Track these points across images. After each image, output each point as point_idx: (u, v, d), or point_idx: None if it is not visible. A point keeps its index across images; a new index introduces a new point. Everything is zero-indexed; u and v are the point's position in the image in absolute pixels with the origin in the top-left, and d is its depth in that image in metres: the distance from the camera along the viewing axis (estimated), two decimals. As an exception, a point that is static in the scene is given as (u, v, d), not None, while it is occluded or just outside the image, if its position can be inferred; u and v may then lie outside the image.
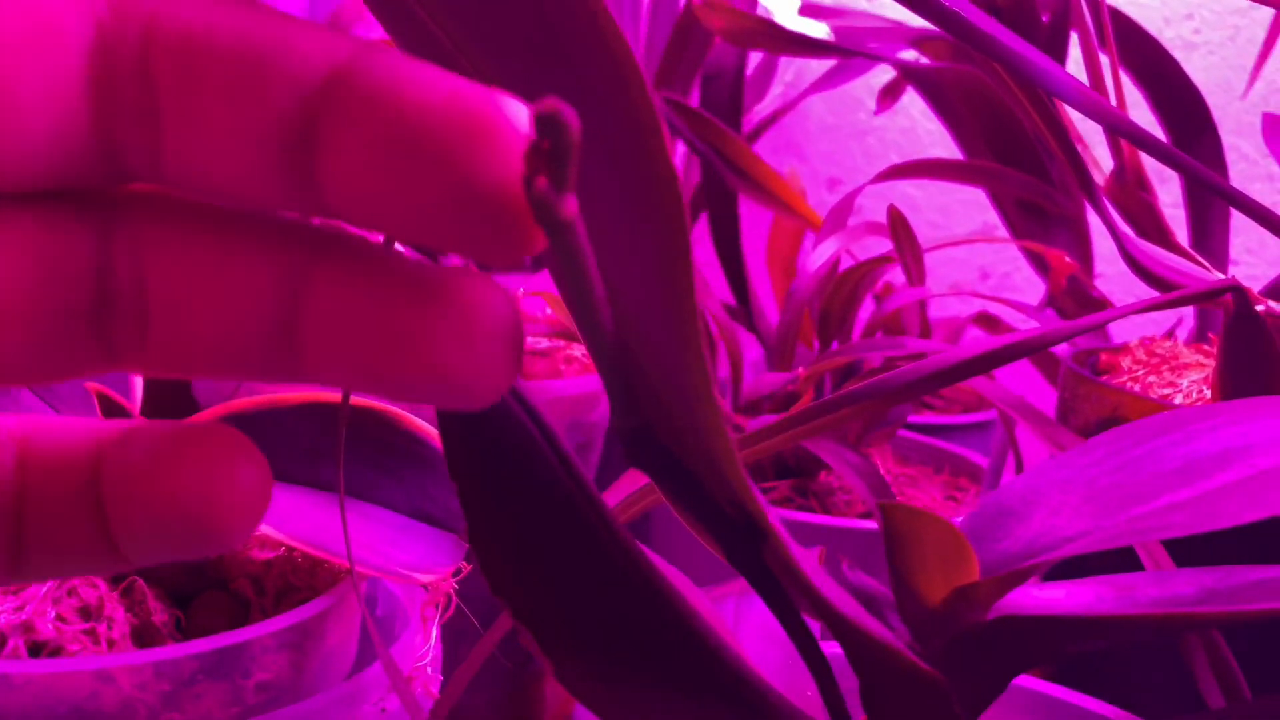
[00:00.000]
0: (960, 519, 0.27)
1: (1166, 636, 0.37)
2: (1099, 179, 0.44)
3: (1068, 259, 0.51)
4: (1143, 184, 0.44)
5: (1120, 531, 0.25)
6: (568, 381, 0.50)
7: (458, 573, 0.35)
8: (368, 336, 0.14)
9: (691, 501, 0.23)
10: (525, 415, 0.27)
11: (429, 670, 0.34)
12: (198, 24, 0.13)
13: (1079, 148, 0.43)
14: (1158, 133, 0.56)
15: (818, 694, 0.32)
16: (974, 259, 0.82)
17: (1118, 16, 0.56)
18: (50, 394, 0.36)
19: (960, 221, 0.82)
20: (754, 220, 0.65)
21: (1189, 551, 0.34)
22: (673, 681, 0.26)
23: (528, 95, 0.16)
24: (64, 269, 0.14)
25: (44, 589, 0.30)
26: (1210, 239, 0.57)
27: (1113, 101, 0.45)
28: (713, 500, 0.23)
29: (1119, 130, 0.40)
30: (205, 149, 0.14)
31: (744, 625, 0.34)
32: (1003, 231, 0.71)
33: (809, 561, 0.23)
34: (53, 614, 0.29)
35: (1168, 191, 0.58)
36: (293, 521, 0.32)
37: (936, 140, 0.84)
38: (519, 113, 0.14)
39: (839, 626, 0.25)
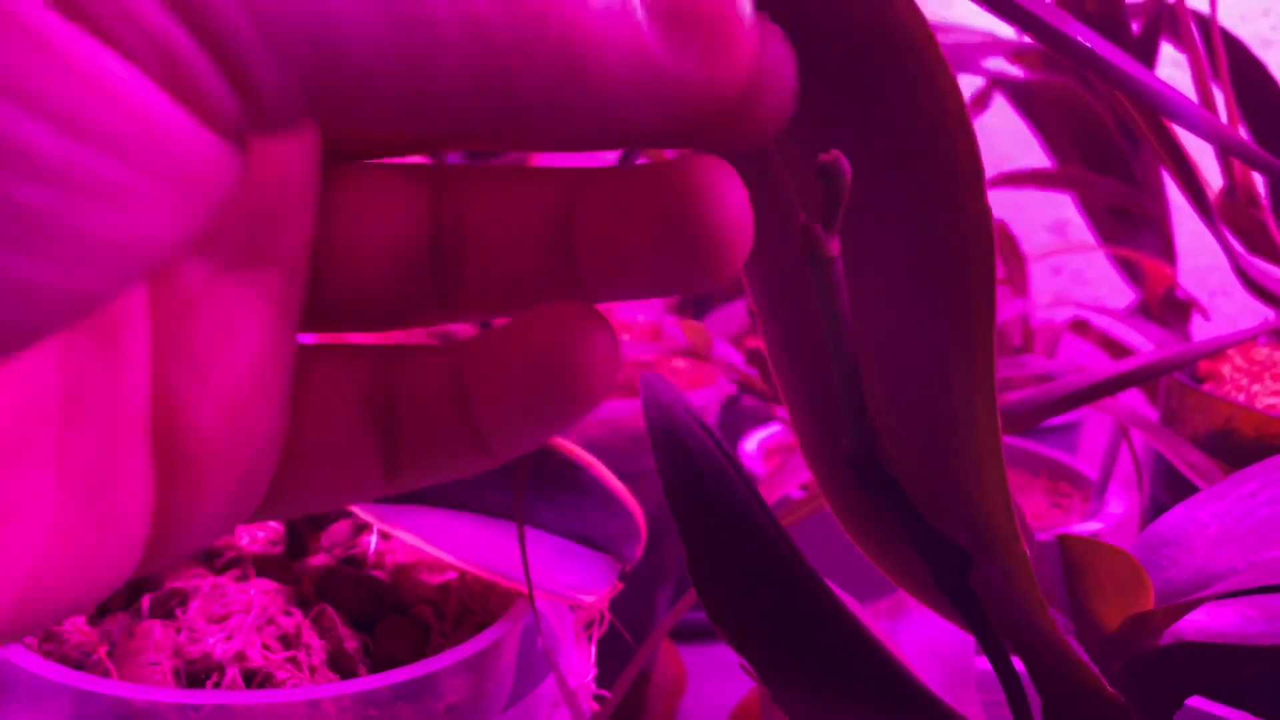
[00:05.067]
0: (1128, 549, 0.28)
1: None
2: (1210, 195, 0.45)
3: (1167, 269, 0.52)
4: (1254, 201, 0.45)
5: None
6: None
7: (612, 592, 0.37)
8: (634, 231, 0.15)
9: (909, 524, 0.25)
10: (724, 457, 0.28)
11: (594, 686, 0.36)
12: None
13: (1192, 165, 0.44)
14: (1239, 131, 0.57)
15: (980, 712, 0.33)
16: (1042, 264, 0.83)
17: (1198, 18, 0.57)
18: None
19: (1034, 219, 0.83)
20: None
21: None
22: (865, 699, 0.28)
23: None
24: (408, 222, 0.16)
25: (249, 618, 0.31)
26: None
27: (1223, 118, 0.46)
28: (929, 524, 0.25)
29: (1233, 150, 0.41)
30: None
31: (900, 642, 0.36)
32: (1076, 237, 0.71)
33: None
34: (259, 643, 0.31)
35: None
36: (466, 547, 0.34)
37: (1009, 148, 0.84)
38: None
39: (1035, 645, 0.26)
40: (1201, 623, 0.28)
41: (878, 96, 0.19)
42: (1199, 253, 0.82)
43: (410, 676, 0.30)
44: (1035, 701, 0.28)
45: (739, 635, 0.26)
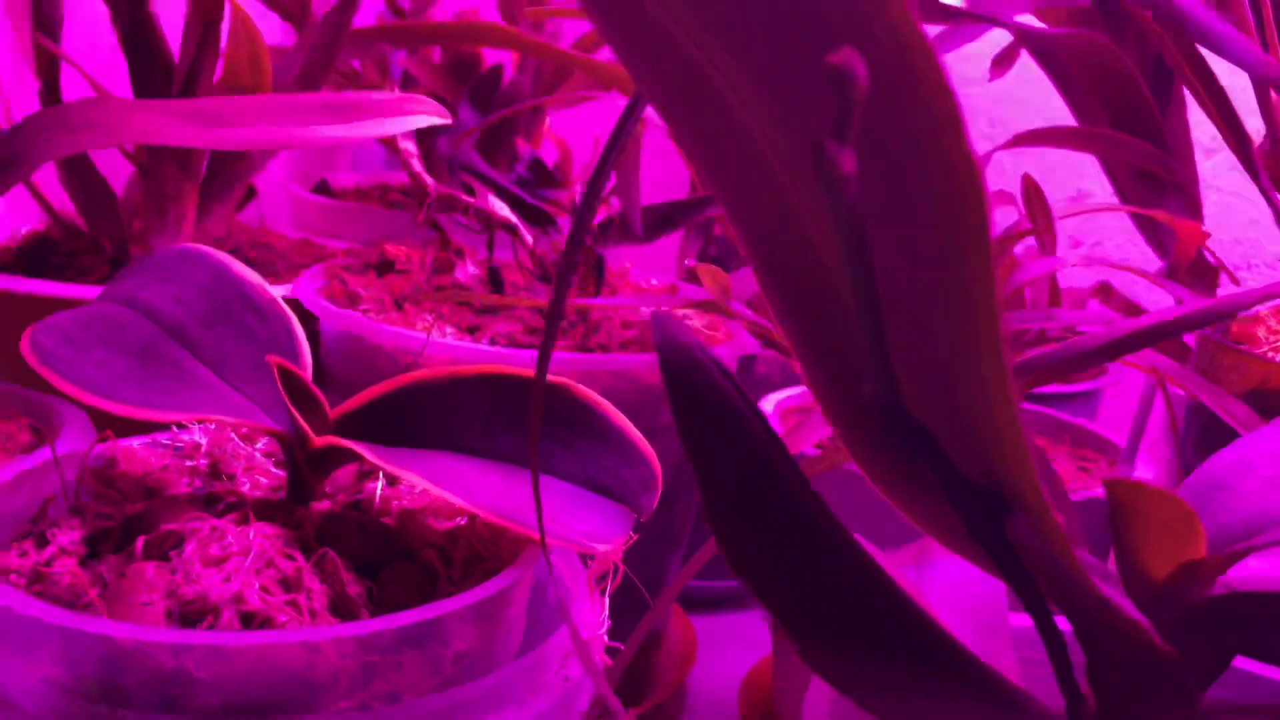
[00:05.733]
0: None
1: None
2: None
3: (1200, 229, 0.50)
4: (1296, 151, 0.43)
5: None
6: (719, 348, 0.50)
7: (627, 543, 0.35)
8: None
9: (937, 471, 0.23)
10: (743, 401, 0.27)
11: (606, 639, 0.34)
12: None
13: (1234, 111, 0.42)
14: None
15: (1016, 667, 0.32)
16: (1064, 228, 0.81)
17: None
18: (226, 368, 0.36)
19: (1049, 185, 0.81)
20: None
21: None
22: (894, 654, 0.26)
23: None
24: None
25: (248, 560, 0.30)
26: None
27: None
28: (960, 471, 0.23)
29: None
30: None
31: (928, 593, 0.34)
32: (1098, 199, 0.70)
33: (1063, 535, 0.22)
34: (257, 585, 0.29)
35: None
36: (476, 491, 0.32)
37: (1029, 106, 0.83)
38: None
39: (1076, 599, 0.25)
40: (1256, 570, 0.27)
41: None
42: (1224, 228, 0.80)
43: (415, 620, 0.29)
44: (1078, 659, 0.27)
45: (760, 584, 0.25)
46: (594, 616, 0.34)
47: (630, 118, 0.29)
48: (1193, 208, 0.61)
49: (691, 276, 0.70)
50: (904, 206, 0.19)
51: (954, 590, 0.32)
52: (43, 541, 0.33)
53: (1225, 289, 0.59)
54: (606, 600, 0.35)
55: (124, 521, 0.33)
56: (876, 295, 0.20)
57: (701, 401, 0.25)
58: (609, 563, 0.36)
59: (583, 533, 0.33)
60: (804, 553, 0.25)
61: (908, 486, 0.25)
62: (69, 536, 0.32)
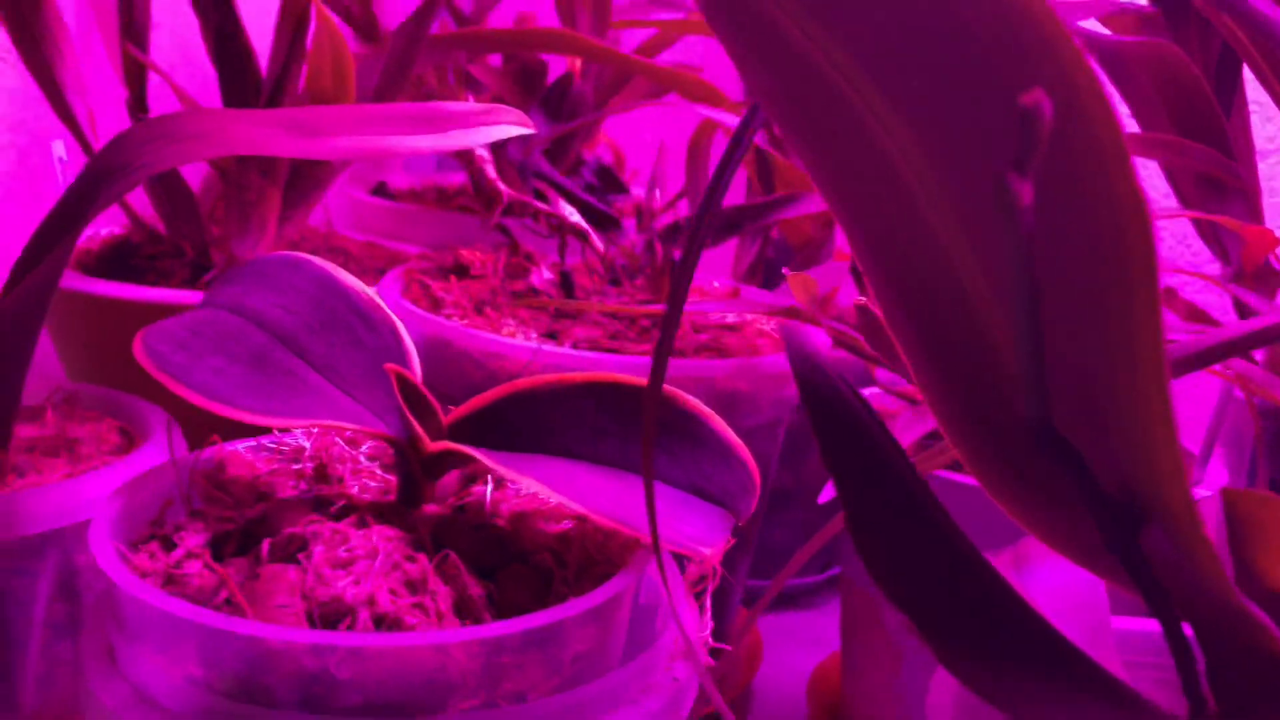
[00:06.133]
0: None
1: None
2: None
3: (1272, 234, 0.51)
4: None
5: None
6: (769, 359, 0.51)
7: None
8: None
9: (1081, 487, 0.24)
10: (867, 412, 0.27)
11: (709, 640, 0.35)
12: None
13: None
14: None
15: (1121, 669, 0.33)
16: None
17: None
18: (337, 375, 0.37)
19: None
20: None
21: None
22: (1017, 655, 0.27)
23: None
24: None
25: (375, 563, 0.31)
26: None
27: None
28: (1101, 485, 0.24)
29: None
30: None
31: (1029, 595, 0.35)
32: (1155, 205, 0.70)
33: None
34: (386, 588, 0.30)
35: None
36: (590, 496, 0.33)
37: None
38: None
39: (1204, 605, 0.25)
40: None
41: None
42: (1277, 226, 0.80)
43: (541, 623, 0.30)
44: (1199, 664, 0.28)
45: (898, 592, 0.25)
46: (695, 619, 0.35)
47: (747, 130, 0.29)
48: (1255, 213, 0.62)
49: (751, 277, 0.71)
50: (1073, 236, 0.20)
51: (1056, 593, 0.33)
52: (169, 545, 0.34)
53: (1286, 293, 0.60)
54: (708, 601, 0.36)
55: (244, 525, 0.34)
56: (1040, 322, 0.21)
57: (839, 418, 0.26)
58: (707, 566, 0.37)
59: (689, 536, 0.34)
60: (935, 561, 0.26)
61: (1039, 502, 0.26)
62: (194, 540, 0.33)
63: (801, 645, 0.63)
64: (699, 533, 0.34)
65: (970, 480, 0.27)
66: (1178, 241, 0.79)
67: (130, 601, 0.30)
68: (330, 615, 0.29)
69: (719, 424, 0.36)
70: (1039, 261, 0.20)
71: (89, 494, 0.43)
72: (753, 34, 0.23)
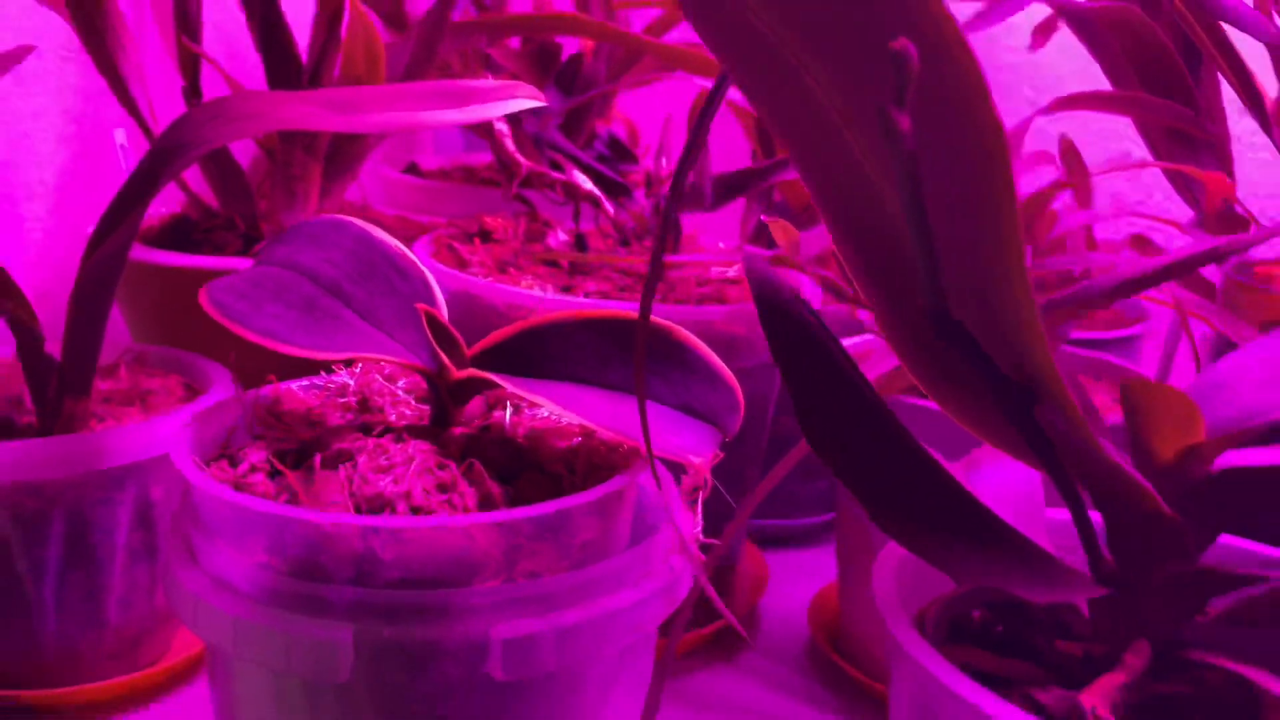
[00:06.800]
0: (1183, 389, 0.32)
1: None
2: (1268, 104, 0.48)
3: (1225, 180, 0.55)
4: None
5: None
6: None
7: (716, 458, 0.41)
8: None
9: (979, 367, 0.29)
10: (817, 323, 0.33)
11: (700, 538, 0.40)
12: None
13: (1249, 73, 0.47)
14: None
15: (1047, 544, 0.38)
16: (1106, 186, 0.86)
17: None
18: (375, 318, 0.42)
19: (1092, 152, 0.86)
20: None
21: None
22: (948, 522, 0.32)
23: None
24: None
25: (411, 468, 0.36)
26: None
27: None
28: (997, 366, 0.29)
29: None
30: None
31: (976, 491, 0.40)
32: (1138, 160, 0.74)
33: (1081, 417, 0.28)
34: (420, 487, 0.36)
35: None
36: (595, 413, 0.38)
37: (1066, 73, 0.87)
38: None
39: (1098, 475, 0.30)
40: (1248, 456, 0.32)
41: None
42: (1258, 183, 0.84)
43: (551, 510, 0.35)
44: (1099, 531, 0.33)
45: (844, 471, 0.30)
46: (689, 520, 0.41)
47: (717, 96, 0.35)
48: (1224, 164, 0.66)
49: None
50: (948, 156, 0.25)
51: (999, 488, 0.38)
52: (234, 462, 0.39)
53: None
54: (699, 506, 0.41)
55: (300, 445, 0.40)
56: (929, 227, 0.26)
57: (791, 325, 0.31)
58: (700, 477, 0.42)
59: (680, 446, 0.39)
60: (876, 445, 0.31)
61: (954, 388, 0.31)
62: (257, 456, 0.39)
63: (805, 576, 0.68)
64: (689, 443, 0.39)
65: (932, 404, 0.32)
66: (1164, 196, 0.83)
67: (207, 500, 0.36)
68: (374, 507, 0.35)
69: (706, 352, 0.41)
70: (929, 176, 0.26)
71: (162, 432, 0.49)
72: (721, 24, 0.29)
